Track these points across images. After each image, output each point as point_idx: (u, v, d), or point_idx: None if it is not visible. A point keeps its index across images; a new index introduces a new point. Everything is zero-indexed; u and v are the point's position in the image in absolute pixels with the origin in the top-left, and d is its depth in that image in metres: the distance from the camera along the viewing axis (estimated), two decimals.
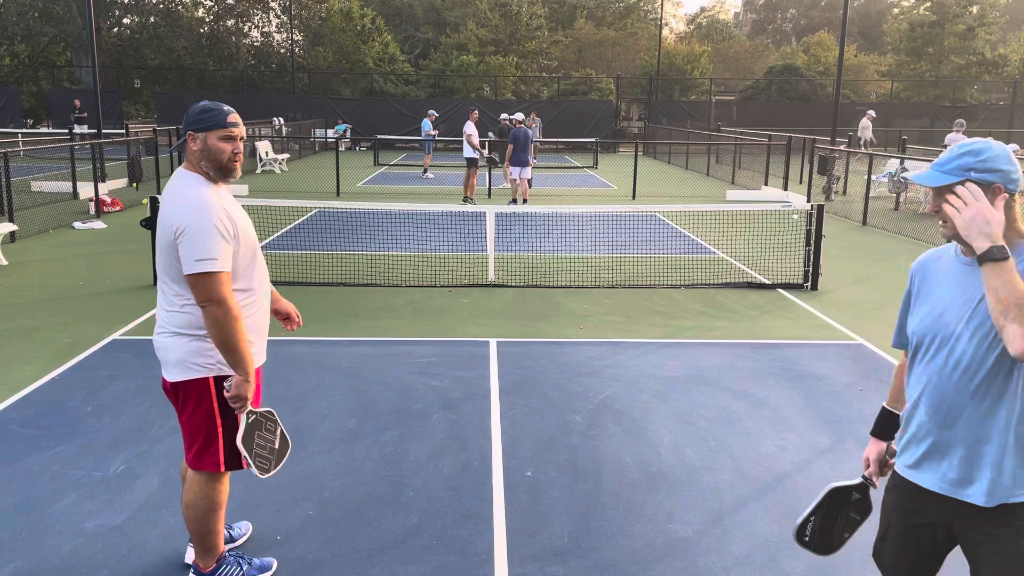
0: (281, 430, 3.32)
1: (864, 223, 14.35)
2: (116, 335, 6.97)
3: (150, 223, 8.88)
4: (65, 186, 16.44)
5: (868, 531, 2.65)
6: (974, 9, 42.84)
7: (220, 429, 3.19)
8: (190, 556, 3.52)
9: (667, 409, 5.47)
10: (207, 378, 3.14)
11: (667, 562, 3.65)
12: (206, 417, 3.17)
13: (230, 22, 43.87)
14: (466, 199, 16.46)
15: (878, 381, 6.10)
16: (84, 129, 25.85)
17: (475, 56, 39.81)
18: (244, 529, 3.86)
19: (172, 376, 3.17)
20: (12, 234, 11.23)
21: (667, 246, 11.67)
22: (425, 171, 22.11)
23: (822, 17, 64.49)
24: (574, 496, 4.23)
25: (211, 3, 43.67)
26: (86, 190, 15.57)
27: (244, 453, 3.18)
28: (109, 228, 12.93)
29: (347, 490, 4.26)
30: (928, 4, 45.49)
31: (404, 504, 4.12)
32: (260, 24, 45.80)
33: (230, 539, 3.75)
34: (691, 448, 4.85)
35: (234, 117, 3.15)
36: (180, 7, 42.26)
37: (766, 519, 4.03)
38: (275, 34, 46.30)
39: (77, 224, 12.97)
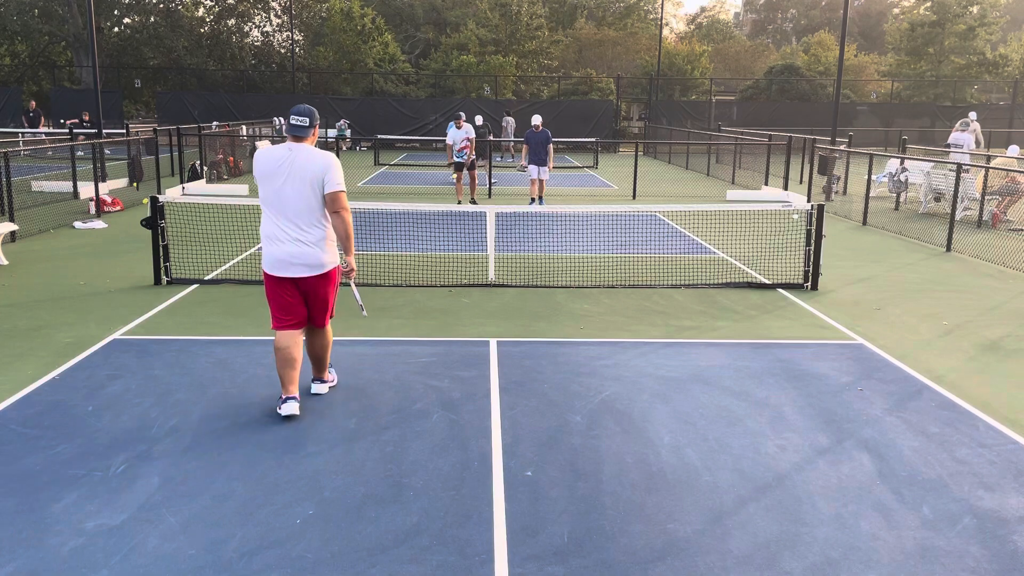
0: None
1: (864, 223, 14.36)
2: (116, 335, 6.97)
3: (150, 223, 8.89)
4: (65, 186, 16.44)
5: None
6: (974, 9, 42.84)
7: (335, 295, 5.36)
8: (316, 387, 5.62)
9: (667, 409, 5.47)
10: (337, 266, 5.22)
11: (667, 562, 3.65)
12: (333, 290, 5.27)
13: (230, 22, 43.83)
14: (460, 202, 16.48)
15: (878, 381, 6.10)
16: (31, 129, 25.85)
17: (475, 56, 39.80)
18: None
19: (318, 271, 5.07)
20: (12, 234, 11.24)
21: (667, 246, 11.67)
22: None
23: (822, 17, 64.47)
24: (574, 496, 4.24)
25: (211, 3, 43.65)
26: (86, 190, 15.57)
27: (360, 301, 5.87)
28: (110, 228, 12.93)
29: (347, 490, 4.26)
30: (928, 4, 45.47)
31: (404, 504, 4.12)
32: (260, 24, 45.82)
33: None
34: (691, 448, 4.86)
35: None
36: (180, 7, 42.22)
37: (766, 519, 4.03)
38: (275, 34, 46.29)
39: (77, 224, 12.97)
